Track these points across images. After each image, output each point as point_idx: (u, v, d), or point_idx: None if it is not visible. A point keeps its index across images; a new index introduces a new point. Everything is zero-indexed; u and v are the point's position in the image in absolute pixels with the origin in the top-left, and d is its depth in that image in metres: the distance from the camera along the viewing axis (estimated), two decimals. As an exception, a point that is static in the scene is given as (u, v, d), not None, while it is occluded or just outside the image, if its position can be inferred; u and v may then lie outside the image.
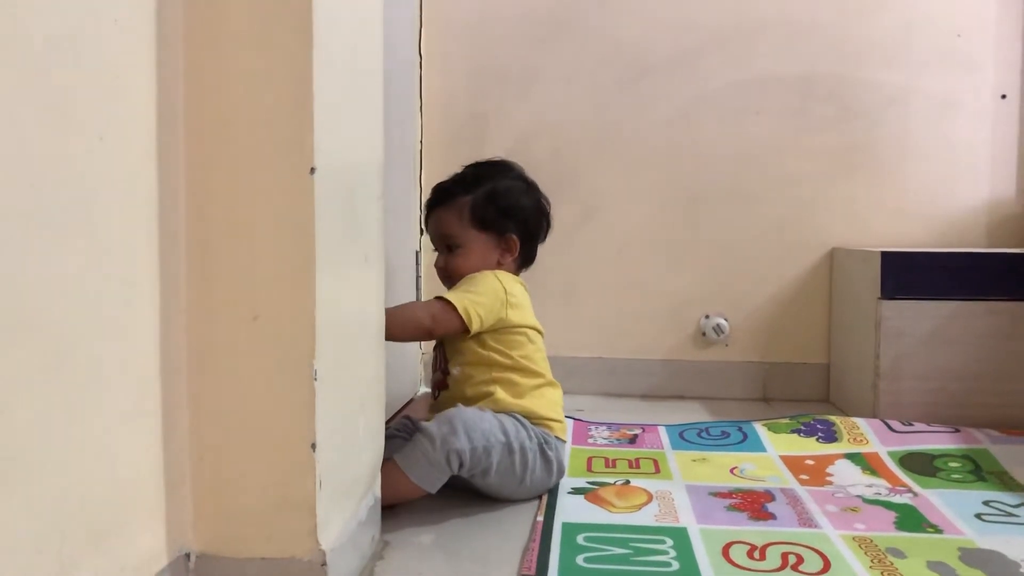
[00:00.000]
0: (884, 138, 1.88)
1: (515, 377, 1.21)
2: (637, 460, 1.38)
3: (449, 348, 1.25)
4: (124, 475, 0.69)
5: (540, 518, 1.08)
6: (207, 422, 0.77)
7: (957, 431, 1.44)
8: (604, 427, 1.61)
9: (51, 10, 0.59)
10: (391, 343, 1.41)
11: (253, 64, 0.74)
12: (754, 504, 1.15)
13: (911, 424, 1.48)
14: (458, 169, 1.35)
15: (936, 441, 1.40)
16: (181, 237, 0.75)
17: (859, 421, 1.49)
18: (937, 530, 1.06)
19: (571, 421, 1.63)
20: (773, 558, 0.96)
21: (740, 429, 1.54)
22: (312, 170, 0.75)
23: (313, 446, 0.77)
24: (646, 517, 1.09)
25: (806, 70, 1.89)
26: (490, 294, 1.20)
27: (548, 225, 1.35)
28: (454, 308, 1.17)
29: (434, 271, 1.32)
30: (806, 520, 1.09)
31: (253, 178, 0.75)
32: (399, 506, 1.10)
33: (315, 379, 0.76)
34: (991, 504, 1.16)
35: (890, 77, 1.87)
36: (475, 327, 1.18)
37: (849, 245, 1.87)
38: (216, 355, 0.76)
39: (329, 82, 0.77)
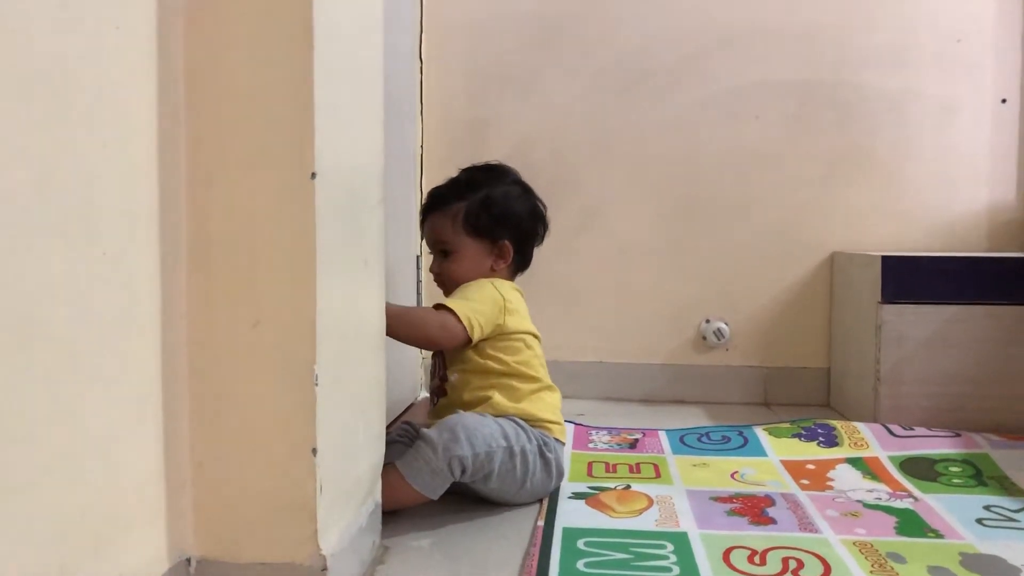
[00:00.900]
0: (884, 142, 1.88)
1: (513, 382, 1.21)
2: (638, 465, 1.38)
3: (448, 355, 1.26)
4: (125, 481, 0.69)
5: (540, 523, 1.09)
6: (208, 428, 0.77)
7: (958, 435, 1.44)
8: (605, 432, 1.61)
9: (52, 16, 0.60)
10: (391, 347, 1.42)
11: (254, 70, 0.74)
12: (754, 509, 1.15)
13: (912, 428, 1.48)
14: (456, 173, 1.35)
15: (937, 446, 1.40)
16: (182, 243, 0.75)
17: (860, 425, 1.49)
18: (938, 535, 1.06)
19: (572, 425, 1.63)
20: (774, 563, 0.97)
21: (741, 434, 1.54)
22: (313, 175, 0.75)
23: (314, 451, 0.77)
24: (647, 522, 1.09)
25: (805, 75, 1.89)
26: (488, 302, 1.21)
27: (544, 229, 1.35)
28: (459, 319, 1.18)
29: (432, 276, 1.32)
30: (807, 525, 1.09)
31: (254, 183, 0.75)
32: (399, 511, 1.10)
33: (316, 384, 0.76)
34: (992, 509, 1.16)
35: (890, 81, 1.88)
36: (476, 336, 1.19)
37: (849, 249, 1.87)
38: (217, 361, 0.77)
39: (329, 87, 0.77)
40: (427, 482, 1.08)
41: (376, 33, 0.94)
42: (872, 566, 0.96)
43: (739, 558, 0.98)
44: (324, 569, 0.77)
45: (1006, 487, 1.24)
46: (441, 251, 1.29)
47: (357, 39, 0.87)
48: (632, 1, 1.94)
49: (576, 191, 1.95)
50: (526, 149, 1.95)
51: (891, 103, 1.88)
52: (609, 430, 1.62)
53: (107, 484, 0.67)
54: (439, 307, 1.20)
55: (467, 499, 1.16)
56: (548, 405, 1.23)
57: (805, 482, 1.28)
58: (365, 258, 0.92)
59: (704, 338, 1.93)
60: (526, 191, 1.34)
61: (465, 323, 1.18)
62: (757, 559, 0.98)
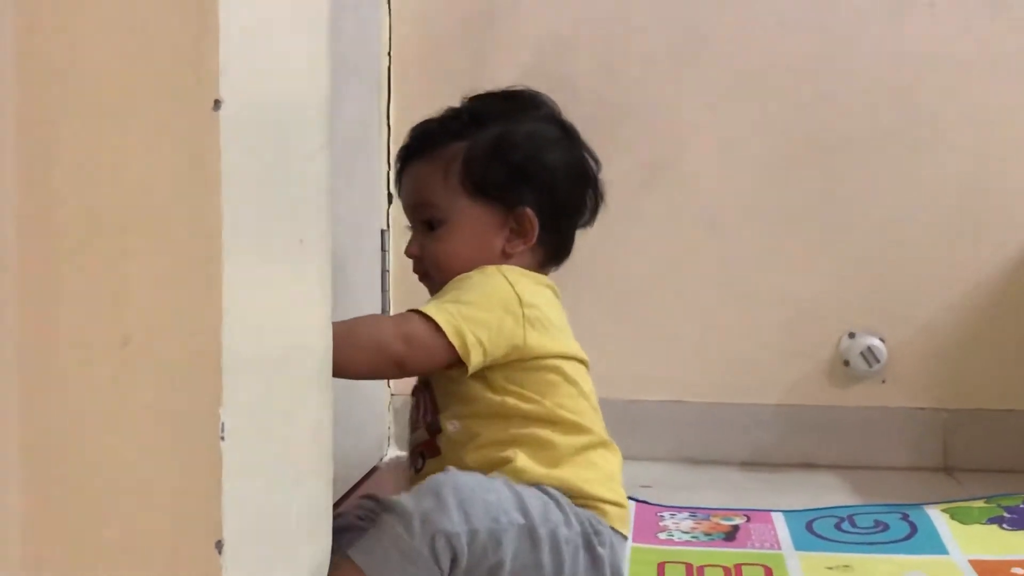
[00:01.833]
0: None
1: (548, 434, 1.21)
2: (738, 568, 1.37)
3: (440, 391, 1.25)
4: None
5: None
6: (50, 510, 0.77)
7: None
8: (685, 514, 1.60)
9: None
10: (344, 380, 1.42)
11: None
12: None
13: None
14: (452, 102, 1.35)
15: None
16: (8, 216, 0.76)
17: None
18: None
19: (632, 504, 1.62)
20: None
21: (905, 517, 1.53)
22: (216, 104, 0.75)
23: (219, 544, 0.77)
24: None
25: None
26: (496, 305, 1.20)
27: (597, 199, 1.35)
28: (439, 329, 1.17)
29: (408, 263, 1.33)
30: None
31: (122, 119, 0.76)
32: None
33: (222, 437, 0.77)
34: None
35: None
36: (475, 360, 1.18)
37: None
38: (64, 403, 0.77)
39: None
40: (398, 573, 1.08)
41: None
42: None
43: None
44: None
45: None
46: (424, 221, 1.29)
47: None
48: None
49: (637, 129, 1.94)
50: (556, 59, 1.94)
51: None
52: (692, 511, 1.60)
53: None
54: (414, 313, 1.20)
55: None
56: (603, 474, 1.23)
57: (1010, 596, 1.28)
58: (300, 234, 0.91)
59: (846, 363, 1.92)
60: (567, 134, 1.34)
61: (451, 335, 1.17)
62: None
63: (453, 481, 1.11)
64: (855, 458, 1.91)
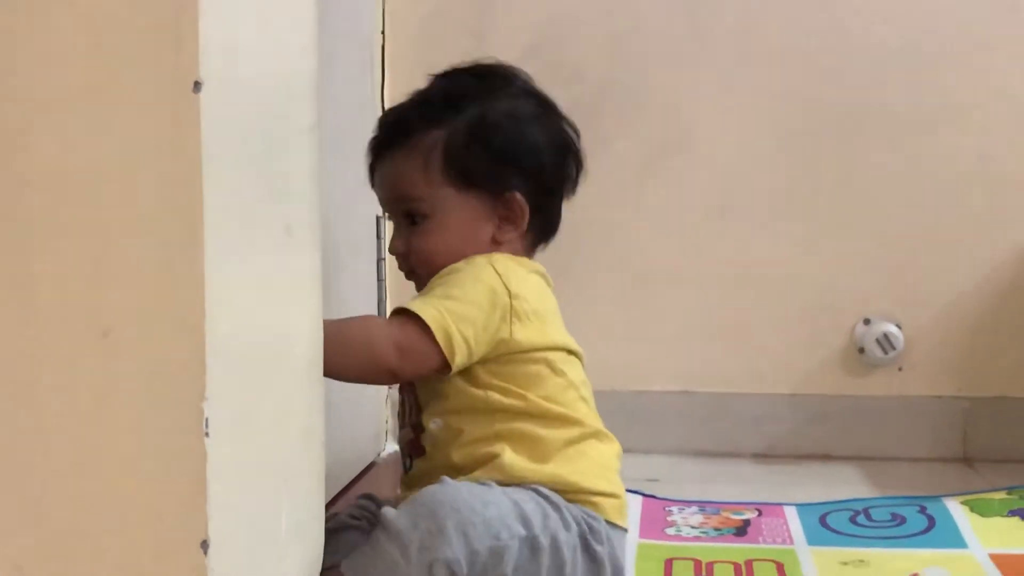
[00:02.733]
0: None
1: (533, 429, 1.20)
2: (749, 564, 1.37)
3: (422, 388, 1.25)
4: None
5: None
6: (25, 514, 0.76)
7: None
8: (694, 508, 1.60)
9: None
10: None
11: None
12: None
13: None
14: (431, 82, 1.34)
15: None
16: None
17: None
18: None
19: (638, 497, 1.63)
20: None
21: (923, 510, 1.53)
22: (196, 85, 0.74)
23: (204, 544, 0.76)
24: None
25: None
26: (482, 300, 1.19)
27: (578, 168, 1.34)
28: (430, 332, 1.16)
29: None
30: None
31: (98, 100, 0.75)
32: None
33: (206, 433, 0.76)
34: None
35: None
36: (459, 361, 1.17)
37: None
38: (40, 397, 0.75)
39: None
40: None
41: None
42: None
43: None
44: None
45: None
46: (407, 215, 1.28)
47: None
48: None
49: (646, 106, 1.94)
50: (560, 38, 1.94)
51: None
52: (702, 505, 1.61)
53: None
54: (401, 314, 1.19)
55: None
56: (596, 465, 1.23)
57: (1034, 593, 1.28)
58: (287, 221, 0.90)
59: (862, 350, 1.92)
60: (544, 107, 1.33)
61: (440, 339, 1.16)
62: None
63: (452, 500, 1.11)
64: (871, 449, 1.91)
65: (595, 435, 1.25)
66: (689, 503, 1.63)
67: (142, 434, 0.76)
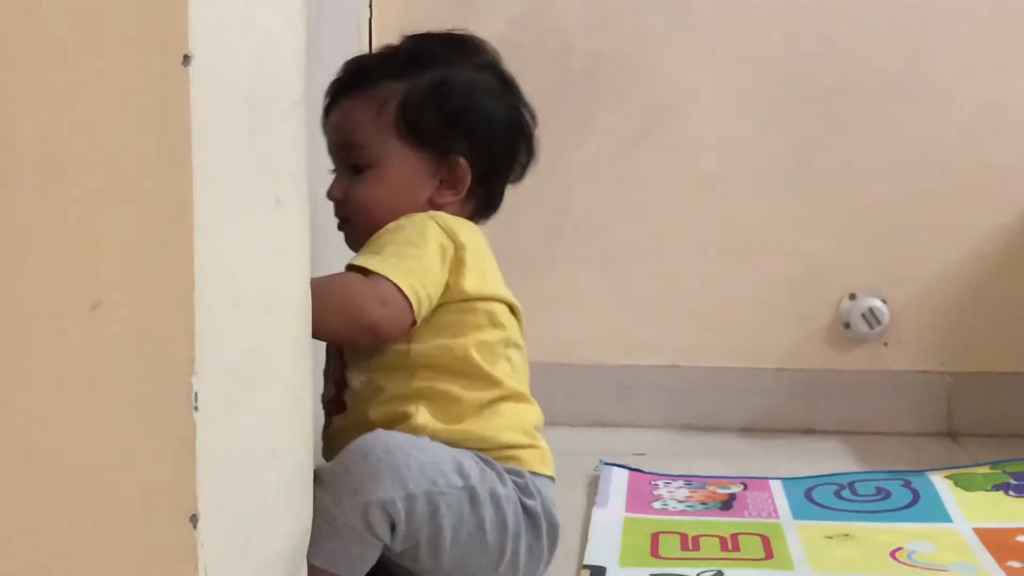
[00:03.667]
0: None
1: (452, 388, 1.21)
2: (734, 537, 1.38)
3: (349, 345, 1.24)
4: None
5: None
6: (15, 486, 0.77)
7: None
8: (680, 482, 1.61)
9: None
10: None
11: None
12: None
13: None
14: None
15: None
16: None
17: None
18: None
19: (624, 471, 1.64)
20: None
21: (908, 485, 1.54)
22: (186, 59, 0.74)
23: (194, 519, 0.76)
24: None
25: None
26: (434, 255, 1.20)
27: (529, 155, 1.35)
28: (402, 291, 1.16)
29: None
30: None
31: (87, 74, 0.75)
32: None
33: (195, 406, 0.76)
34: None
35: None
36: (421, 316, 1.18)
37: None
38: (29, 369, 0.76)
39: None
40: (335, 553, 1.09)
41: None
42: None
43: None
44: None
45: None
46: (351, 165, 1.29)
47: None
48: None
49: (630, 78, 1.94)
50: (547, 11, 1.93)
51: None
52: (688, 479, 1.61)
53: None
54: (360, 272, 1.18)
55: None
56: (511, 421, 1.23)
57: (1016, 565, 1.27)
58: (277, 194, 0.91)
59: (847, 325, 1.92)
60: (506, 86, 1.34)
61: (412, 299, 1.16)
62: None
63: (384, 443, 1.12)
64: (857, 423, 1.92)
65: (515, 397, 1.25)
66: (675, 477, 1.63)
67: (131, 408, 0.77)
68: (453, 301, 1.22)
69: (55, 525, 0.77)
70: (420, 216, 1.24)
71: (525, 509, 1.18)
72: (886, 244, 1.93)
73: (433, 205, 1.28)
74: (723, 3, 1.94)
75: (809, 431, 1.92)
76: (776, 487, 1.57)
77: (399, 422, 1.19)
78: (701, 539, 1.38)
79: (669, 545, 1.36)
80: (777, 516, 1.46)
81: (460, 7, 1.92)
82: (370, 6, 1.94)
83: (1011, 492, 1.49)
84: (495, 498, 1.15)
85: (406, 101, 1.27)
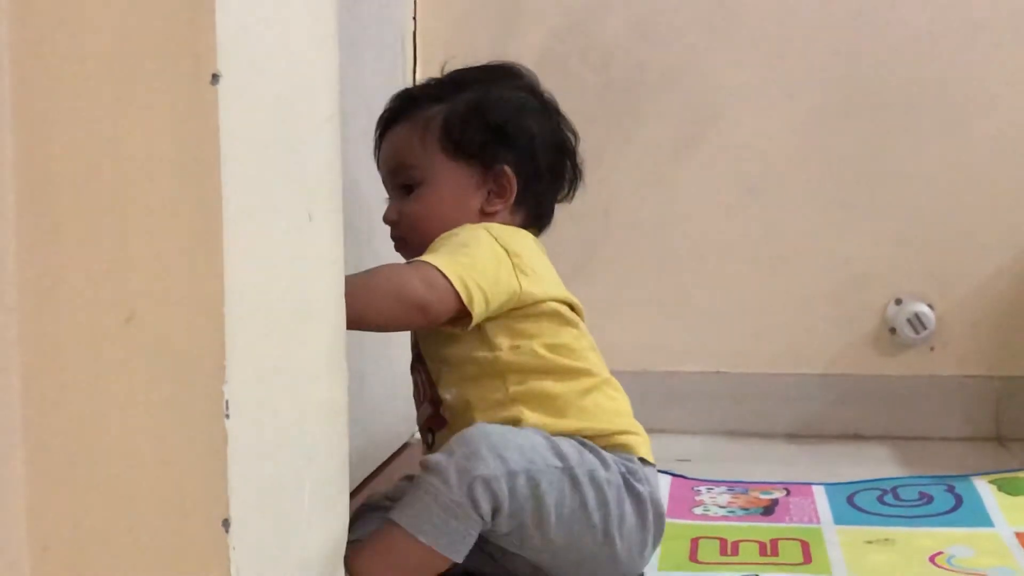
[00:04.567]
0: None
1: (547, 385, 1.23)
2: (774, 543, 1.38)
3: (431, 358, 1.28)
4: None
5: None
6: (55, 490, 0.79)
7: None
8: (723, 488, 1.62)
9: None
10: (368, 352, 1.43)
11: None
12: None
13: None
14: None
15: None
16: (8, 197, 0.77)
17: None
18: None
19: (667, 477, 1.64)
20: None
21: (951, 489, 1.54)
22: (214, 78, 0.76)
23: (226, 523, 0.78)
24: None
25: None
26: (487, 257, 1.22)
27: (574, 171, 1.37)
28: (447, 279, 1.18)
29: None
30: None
31: (119, 94, 0.77)
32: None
33: (226, 415, 0.78)
34: None
35: None
36: (479, 309, 1.19)
37: None
38: (67, 381, 0.78)
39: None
40: (439, 528, 1.11)
41: None
42: None
43: None
44: None
45: None
46: (402, 186, 1.32)
47: None
48: None
49: (674, 89, 1.95)
50: (590, 22, 1.95)
51: None
52: (730, 485, 1.62)
53: None
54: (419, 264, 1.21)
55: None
56: (613, 411, 1.26)
57: (1058, 571, 1.28)
58: (309, 209, 0.93)
59: (893, 330, 1.92)
60: (545, 106, 1.37)
61: (459, 288, 1.17)
62: None
63: (483, 430, 1.15)
64: (903, 428, 1.92)
65: (606, 382, 1.28)
66: (718, 483, 1.64)
67: (164, 416, 0.79)
68: (522, 306, 1.24)
69: (89, 531, 0.79)
70: (473, 226, 1.27)
71: (633, 493, 1.20)
72: (932, 249, 1.93)
73: (484, 214, 1.31)
74: (767, 11, 1.94)
75: (855, 437, 1.92)
76: (819, 493, 1.57)
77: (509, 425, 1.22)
78: (740, 544, 1.39)
79: (708, 550, 1.37)
80: (818, 521, 1.46)
81: (503, 19, 1.94)
82: (414, 19, 1.96)
83: (1056, 498, 1.48)
84: (595, 480, 1.17)
85: (449, 119, 1.31)
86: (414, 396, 1.34)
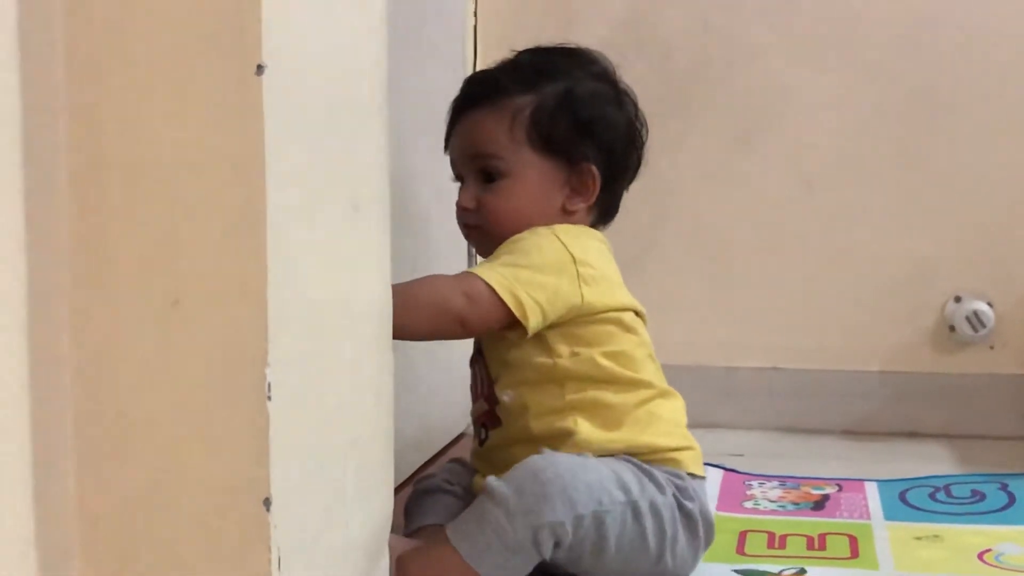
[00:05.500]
0: None
1: (604, 395, 1.24)
2: (822, 537, 1.39)
3: (492, 358, 1.28)
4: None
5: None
6: (103, 469, 0.81)
7: None
8: (774, 482, 1.62)
9: None
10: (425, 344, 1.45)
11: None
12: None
13: None
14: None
15: None
16: (59, 179, 0.80)
17: None
18: None
19: (719, 471, 1.65)
20: None
21: (1005, 487, 1.53)
22: (259, 68, 0.78)
23: (267, 502, 0.80)
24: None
25: None
26: (550, 267, 1.22)
27: (640, 159, 1.37)
28: (496, 293, 1.19)
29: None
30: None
31: (165, 89, 0.79)
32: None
33: (268, 397, 0.80)
34: None
35: None
36: (534, 322, 1.20)
37: None
38: (116, 363, 0.81)
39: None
40: (500, 566, 1.13)
41: None
42: None
43: None
44: None
45: None
46: (482, 171, 1.30)
47: None
48: None
49: (733, 86, 1.95)
50: (648, 15, 1.95)
51: None
52: (782, 480, 1.63)
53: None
54: (469, 275, 1.22)
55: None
56: (667, 423, 1.26)
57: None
58: (354, 199, 0.95)
59: (952, 328, 1.91)
60: (620, 95, 1.36)
61: (509, 302, 1.18)
62: None
63: (554, 467, 1.14)
64: (961, 427, 1.91)
65: (662, 394, 1.28)
66: (770, 478, 1.64)
67: (209, 396, 0.81)
68: (584, 315, 1.24)
69: (137, 506, 0.82)
70: (542, 230, 1.26)
71: (683, 511, 1.20)
72: (992, 247, 1.92)
73: (565, 212, 1.31)
74: (826, 5, 1.94)
75: (912, 434, 1.91)
76: (871, 489, 1.57)
77: (562, 436, 1.22)
78: (788, 538, 1.39)
79: (756, 543, 1.37)
80: (868, 517, 1.46)
81: (562, 12, 1.95)
82: (475, 14, 1.98)
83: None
84: (654, 508, 1.18)
85: (537, 112, 1.29)
86: (471, 389, 1.35)
